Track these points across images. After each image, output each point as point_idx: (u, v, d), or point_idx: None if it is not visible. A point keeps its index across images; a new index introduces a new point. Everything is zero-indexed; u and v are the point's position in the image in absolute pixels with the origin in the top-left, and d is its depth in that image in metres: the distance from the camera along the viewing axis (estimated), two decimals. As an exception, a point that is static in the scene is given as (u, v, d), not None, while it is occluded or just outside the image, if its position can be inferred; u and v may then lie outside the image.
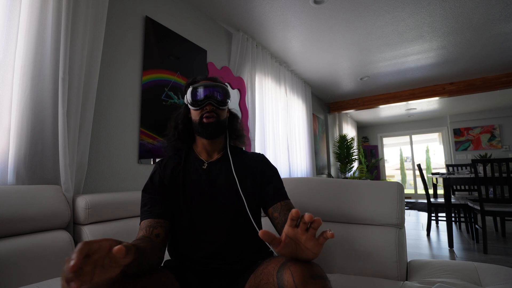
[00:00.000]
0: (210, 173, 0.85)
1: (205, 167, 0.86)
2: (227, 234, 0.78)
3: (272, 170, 0.90)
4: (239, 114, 1.05)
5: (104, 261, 0.45)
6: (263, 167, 0.89)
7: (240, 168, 0.87)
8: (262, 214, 1.17)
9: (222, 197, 0.81)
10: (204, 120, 0.83)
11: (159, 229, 0.75)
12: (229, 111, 0.97)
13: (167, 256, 1.13)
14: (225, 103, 0.86)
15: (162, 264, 0.81)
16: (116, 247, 0.43)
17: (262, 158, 0.92)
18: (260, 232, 0.50)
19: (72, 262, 0.39)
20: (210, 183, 0.83)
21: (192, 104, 0.85)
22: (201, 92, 0.84)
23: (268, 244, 0.57)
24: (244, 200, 0.80)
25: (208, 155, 0.89)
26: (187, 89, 0.88)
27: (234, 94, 2.66)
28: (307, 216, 0.52)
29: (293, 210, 0.53)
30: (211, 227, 0.79)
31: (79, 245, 0.42)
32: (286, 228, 0.54)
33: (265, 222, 1.17)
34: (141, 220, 0.78)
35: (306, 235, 0.53)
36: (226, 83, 0.98)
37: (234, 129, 0.94)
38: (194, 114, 0.86)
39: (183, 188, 0.83)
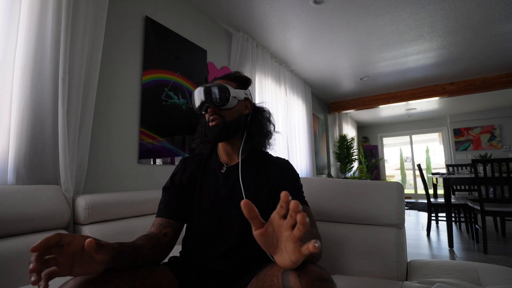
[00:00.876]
0: (228, 178, 0.83)
1: (223, 171, 0.84)
2: (234, 240, 0.78)
3: (292, 174, 0.83)
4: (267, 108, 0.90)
5: (82, 255, 0.50)
6: (282, 172, 0.82)
7: (258, 173, 0.83)
8: None
9: (234, 203, 0.80)
10: (210, 123, 0.81)
11: (168, 228, 0.77)
12: (253, 106, 0.89)
13: (172, 252, 1.13)
14: (224, 102, 0.79)
15: (165, 261, 0.82)
16: (87, 240, 0.46)
17: (284, 163, 0.86)
18: (242, 202, 0.43)
19: (34, 245, 0.44)
20: (226, 188, 0.82)
21: (197, 110, 0.85)
22: (199, 96, 0.81)
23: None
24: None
25: (228, 157, 0.86)
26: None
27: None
28: (292, 202, 0.41)
29: (283, 193, 0.42)
30: (220, 230, 0.79)
31: (51, 234, 0.47)
32: (273, 215, 0.46)
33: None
34: (156, 216, 0.81)
35: (289, 233, 0.44)
36: (244, 77, 0.90)
37: (256, 127, 0.86)
38: (206, 118, 0.85)
39: (200, 190, 0.83)
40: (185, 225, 0.86)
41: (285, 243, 0.45)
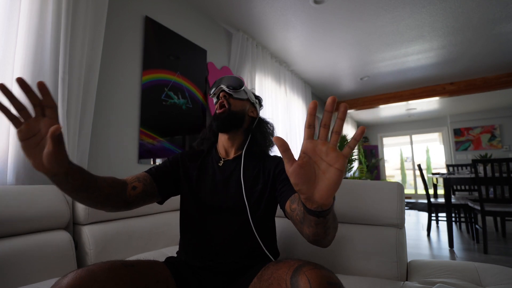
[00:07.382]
0: (224, 171, 0.85)
1: (220, 165, 0.87)
2: (228, 234, 0.78)
3: None
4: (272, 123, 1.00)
5: (40, 141, 0.53)
6: (277, 168, 0.84)
7: (255, 170, 0.85)
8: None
9: (230, 198, 0.81)
10: (217, 111, 0.86)
11: (141, 184, 0.76)
12: (259, 117, 0.96)
13: (171, 252, 1.13)
14: (236, 88, 0.87)
15: (162, 260, 0.82)
16: (56, 125, 0.48)
17: (278, 160, 0.88)
18: (275, 138, 0.43)
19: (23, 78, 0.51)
20: (222, 181, 0.84)
21: (211, 95, 0.92)
22: (217, 83, 0.90)
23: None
24: (247, 206, 0.78)
25: (226, 152, 0.90)
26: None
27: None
28: (339, 103, 0.44)
29: (312, 102, 0.42)
30: (214, 224, 0.80)
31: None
32: (304, 143, 0.45)
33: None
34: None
35: (327, 145, 0.44)
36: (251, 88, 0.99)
37: (261, 133, 0.91)
38: (216, 106, 0.90)
39: (196, 185, 0.84)
40: (180, 222, 0.86)
41: (326, 158, 0.44)
